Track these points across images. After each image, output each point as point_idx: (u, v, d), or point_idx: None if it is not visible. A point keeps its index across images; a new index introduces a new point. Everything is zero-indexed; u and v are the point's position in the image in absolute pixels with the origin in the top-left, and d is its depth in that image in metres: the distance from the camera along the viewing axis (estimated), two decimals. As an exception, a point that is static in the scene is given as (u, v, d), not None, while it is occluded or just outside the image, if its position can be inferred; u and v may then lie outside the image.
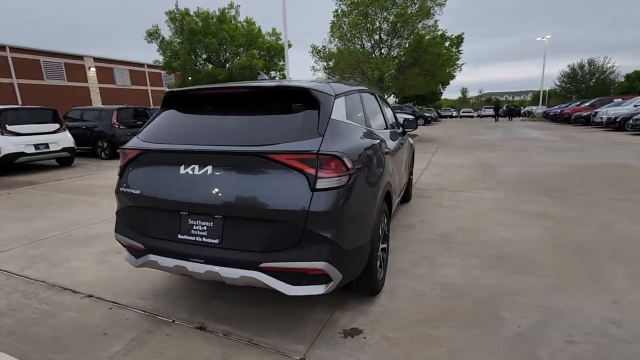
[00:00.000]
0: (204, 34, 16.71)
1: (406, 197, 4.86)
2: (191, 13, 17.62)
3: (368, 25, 14.51)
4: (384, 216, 2.56)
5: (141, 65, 30.33)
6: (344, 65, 15.22)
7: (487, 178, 6.64)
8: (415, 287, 2.65)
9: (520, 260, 3.05)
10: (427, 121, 29.74)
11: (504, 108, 43.66)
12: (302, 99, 2.01)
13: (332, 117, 2.04)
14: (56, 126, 8.78)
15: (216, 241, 1.91)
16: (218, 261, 1.88)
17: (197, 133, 2.04)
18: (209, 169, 1.90)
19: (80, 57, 26.14)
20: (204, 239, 1.93)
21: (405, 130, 4.24)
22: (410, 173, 5.09)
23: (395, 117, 4.30)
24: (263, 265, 1.81)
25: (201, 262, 1.91)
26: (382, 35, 14.98)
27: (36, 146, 8.25)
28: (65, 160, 9.23)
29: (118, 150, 2.25)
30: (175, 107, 2.27)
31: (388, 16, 14.26)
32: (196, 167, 1.92)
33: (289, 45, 19.06)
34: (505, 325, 2.15)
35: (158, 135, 2.12)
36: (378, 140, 2.51)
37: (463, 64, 16.47)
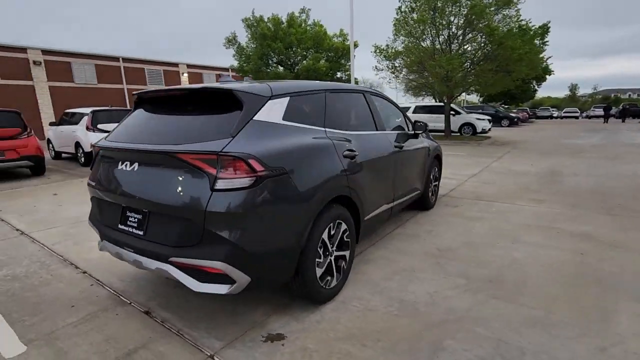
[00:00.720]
0: (273, 39, 17.64)
1: (424, 205, 4.51)
2: (265, 19, 18.76)
3: (437, 20, 13.67)
4: (337, 222, 2.44)
5: (226, 69, 33.21)
6: (406, 64, 14.56)
7: (544, 188, 5.77)
8: (371, 301, 2.47)
9: (513, 286, 2.62)
10: (514, 122, 26.77)
11: (619, 108, 36.98)
12: (227, 101, 2.04)
13: (256, 118, 2.02)
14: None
15: (141, 233, 2.05)
16: (142, 252, 2.02)
17: (139, 132, 2.21)
18: (136, 166, 2.05)
19: (176, 65, 29.80)
20: (134, 230, 2.09)
21: (417, 132, 3.94)
22: (435, 179, 4.70)
23: (407, 119, 4.01)
24: (172, 259, 1.89)
25: (131, 251, 2.07)
26: (452, 30, 13.97)
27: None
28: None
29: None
30: (139, 108, 2.49)
31: (461, 9, 13.23)
32: (127, 164, 2.09)
33: (355, 46, 19.00)
34: (438, 357, 1.88)
35: (117, 135, 2.35)
36: (326, 143, 2.39)
37: (549, 57, 14.45)
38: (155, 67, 28.35)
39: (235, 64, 19.41)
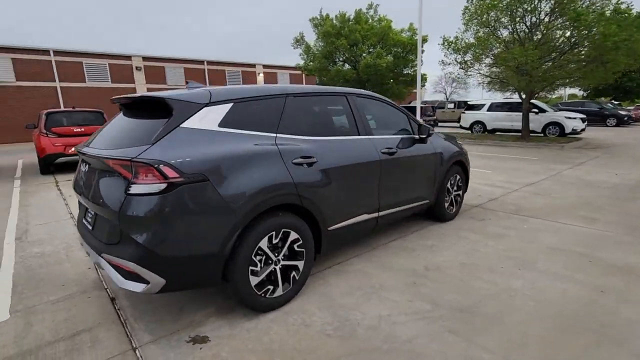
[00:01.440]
0: (337, 36, 17.62)
1: (438, 216, 4.11)
2: (331, 17, 18.87)
3: (519, 6, 12.15)
4: (284, 231, 2.37)
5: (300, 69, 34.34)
6: (476, 57, 13.24)
7: (610, 205, 4.80)
8: (313, 316, 2.35)
9: (483, 322, 2.25)
10: (623, 121, 22.50)
11: None
12: (162, 108, 2.12)
13: (184, 125, 2.07)
14: None
15: (91, 228, 2.27)
16: (90, 244, 2.23)
17: (101, 137, 2.43)
18: (87, 168, 2.27)
19: (253, 65, 31.80)
20: (88, 224, 2.33)
21: (422, 136, 3.59)
22: (457, 188, 4.26)
23: (412, 122, 3.68)
24: (103, 255, 2.05)
25: (85, 243, 2.31)
26: (537, 16, 12.28)
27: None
28: None
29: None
30: (119, 113, 2.74)
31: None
32: (86, 166, 2.33)
33: (424, 40, 17.96)
34: (337, 389, 1.71)
35: (91, 139, 2.60)
36: (269, 150, 2.32)
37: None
38: (234, 69, 30.64)
39: (301, 62, 19.93)
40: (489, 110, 16.79)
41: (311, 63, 19.21)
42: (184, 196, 1.93)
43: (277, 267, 2.40)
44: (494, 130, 16.27)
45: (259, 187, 2.19)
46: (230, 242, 2.10)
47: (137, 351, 2.04)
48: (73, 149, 8.17)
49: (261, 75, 32.31)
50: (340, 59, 19.82)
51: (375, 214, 3.17)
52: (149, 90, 25.38)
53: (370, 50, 18.17)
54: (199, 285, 2.19)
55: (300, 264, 2.54)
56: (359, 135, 3.05)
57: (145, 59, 25.46)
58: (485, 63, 13.69)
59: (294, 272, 2.51)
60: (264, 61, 32.41)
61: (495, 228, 3.97)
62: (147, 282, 1.95)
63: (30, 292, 2.75)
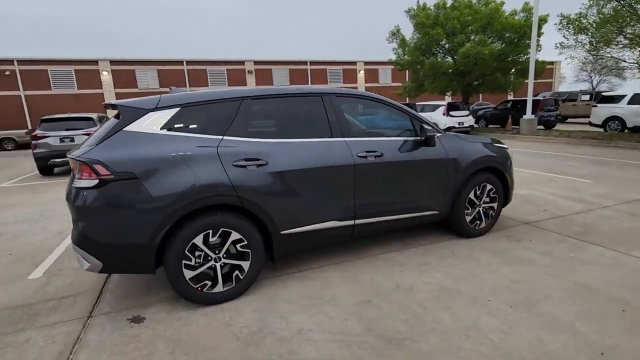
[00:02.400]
0: (432, 26, 16.29)
1: (457, 230, 3.58)
2: (428, 7, 17.58)
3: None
4: (223, 230, 2.45)
5: (392, 64, 33.20)
6: (602, 38, 10.58)
7: None
8: (240, 317, 2.38)
9: (403, 358, 1.92)
10: None
11: None
12: (118, 113, 2.43)
13: (127, 128, 2.33)
14: None
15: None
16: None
17: (86, 140, 2.86)
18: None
19: (354, 63, 32.08)
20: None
21: (422, 138, 3.17)
22: (490, 199, 3.63)
23: (416, 124, 3.28)
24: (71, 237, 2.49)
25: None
26: None
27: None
28: None
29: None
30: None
31: None
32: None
33: (543, 21, 15.24)
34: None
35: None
36: (207, 152, 2.40)
37: None
38: (335, 67, 31.47)
39: (393, 57, 19.17)
40: (630, 102, 13.32)
41: (405, 57, 18.31)
42: (114, 191, 2.20)
43: (218, 265, 2.50)
44: (636, 129, 12.74)
45: (189, 187, 2.32)
46: (159, 235, 2.29)
47: (89, 319, 2.43)
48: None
49: (362, 72, 32.38)
50: (438, 51, 18.39)
51: (350, 222, 2.96)
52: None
53: (473, 37, 16.29)
54: (134, 270, 2.45)
55: (246, 265, 2.58)
56: (331, 137, 2.89)
57: (256, 62, 28.30)
58: (618, 44, 10.91)
59: (237, 272, 2.57)
60: (365, 58, 32.40)
61: (525, 252, 3.24)
62: (89, 262, 2.29)
63: (67, 263, 3.48)
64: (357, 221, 3.00)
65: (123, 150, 2.27)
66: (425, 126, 3.15)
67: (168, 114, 2.45)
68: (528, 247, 3.37)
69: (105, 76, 23.83)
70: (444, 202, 3.40)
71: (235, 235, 2.51)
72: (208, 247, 2.46)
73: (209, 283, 2.50)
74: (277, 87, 3.01)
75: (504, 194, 3.78)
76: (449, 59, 17.74)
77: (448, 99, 23.72)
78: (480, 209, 3.63)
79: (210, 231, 2.43)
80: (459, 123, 15.10)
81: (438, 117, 14.64)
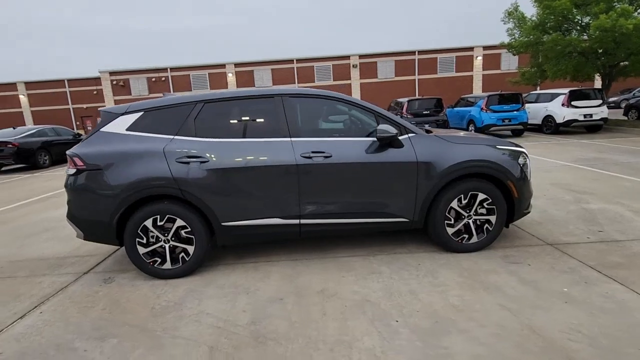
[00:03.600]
0: (555, -3, 13.35)
1: (439, 243, 3.20)
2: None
3: None
4: (168, 217, 2.86)
5: (505, 47, 28.51)
6: None
7: None
8: (173, 295, 2.75)
9: (253, 349, 1.98)
10: None
11: None
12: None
13: (103, 129, 2.92)
14: None
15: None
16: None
17: None
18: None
19: (470, 49, 28.93)
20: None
21: (382, 139, 2.93)
22: (486, 210, 3.14)
23: (381, 120, 3.05)
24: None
25: None
26: None
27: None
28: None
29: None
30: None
31: None
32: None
33: None
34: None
35: None
36: (154, 149, 2.80)
37: None
38: (448, 55, 29.09)
39: (507, 40, 16.54)
40: None
41: (520, 38, 15.69)
42: (84, 178, 2.83)
43: (167, 245, 2.94)
44: None
45: (136, 178, 2.79)
46: (116, 217, 2.83)
47: (82, 275, 3.17)
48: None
49: (479, 58, 29.09)
50: (565, 27, 15.13)
51: (295, 221, 3.01)
52: (362, 85, 28.37)
53: (612, 5, 12.84)
54: (103, 241, 3.04)
55: (190, 248, 2.95)
56: (278, 137, 2.97)
57: (362, 56, 28.47)
58: None
59: (183, 254, 2.96)
60: (483, 43, 28.93)
61: (502, 278, 2.70)
62: (76, 232, 3.01)
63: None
64: (303, 221, 3.02)
65: (96, 146, 2.89)
66: (383, 126, 2.90)
67: (133, 117, 2.97)
68: (515, 272, 2.78)
69: (230, 77, 27.74)
70: (415, 210, 3.08)
71: (179, 222, 2.89)
72: (158, 229, 2.90)
73: (159, 260, 2.95)
74: (235, 90, 3.24)
75: (508, 206, 3.16)
76: (578, 35, 14.44)
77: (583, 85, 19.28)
78: (470, 221, 3.13)
79: (158, 216, 2.87)
80: (585, 115, 12.25)
81: (555, 109, 12.24)
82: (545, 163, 7.29)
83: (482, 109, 12.26)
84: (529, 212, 3.36)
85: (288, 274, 2.98)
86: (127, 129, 2.95)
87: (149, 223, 2.88)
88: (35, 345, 2.19)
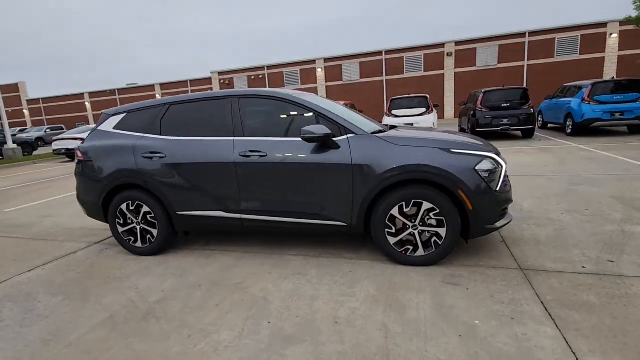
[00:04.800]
0: None
1: (383, 252, 3.02)
2: None
3: None
4: (137, 203, 3.38)
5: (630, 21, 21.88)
6: None
7: None
8: (128, 269, 3.26)
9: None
10: None
11: None
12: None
13: (99, 128, 3.58)
14: None
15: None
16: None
17: None
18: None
19: (603, 25, 23.54)
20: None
21: (306, 140, 2.87)
22: (424, 220, 2.84)
23: (321, 120, 2.98)
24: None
25: None
26: None
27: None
28: None
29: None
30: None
31: None
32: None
33: None
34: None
35: None
36: (126, 145, 3.31)
37: None
38: (570, 34, 24.39)
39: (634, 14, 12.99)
40: None
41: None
42: (82, 167, 3.55)
43: (138, 227, 3.48)
44: None
45: (112, 169, 3.37)
46: (101, 199, 3.48)
47: (94, 245, 3.97)
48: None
49: (614, 36, 23.59)
50: None
51: (237, 216, 3.20)
52: (456, 75, 26.13)
53: None
54: (98, 219, 3.72)
55: (155, 232, 3.43)
56: (224, 136, 3.18)
57: (458, 43, 26.08)
58: None
59: (149, 235, 3.46)
60: (619, 16, 23.25)
61: (426, 301, 2.42)
62: (83, 210, 3.79)
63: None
64: (245, 216, 3.19)
65: (92, 142, 3.58)
66: (309, 127, 2.83)
67: (119, 118, 3.56)
68: (441, 294, 2.46)
69: (320, 73, 28.68)
70: (353, 215, 2.94)
71: (145, 208, 3.39)
72: (131, 213, 3.46)
73: (133, 239, 3.51)
74: (198, 93, 3.51)
75: (463, 220, 2.76)
76: None
77: None
78: (416, 232, 2.85)
79: (130, 202, 3.42)
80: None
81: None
82: (622, 165, 5.76)
83: (583, 99, 10.13)
84: (497, 228, 2.86)
85: (228, 264, 3.20)
86: (114, 128, 3.56)
87: (124, 207, 3.45)
88: (16, 292, 2.92)
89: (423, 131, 3.46)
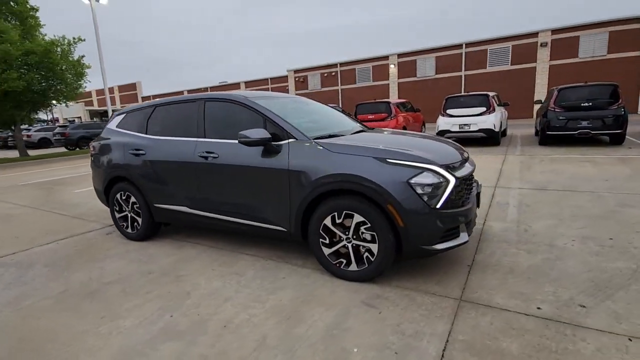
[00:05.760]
0: None
1: (318, 259, 2.93)
2: None
3: None
4: (126, 194, 3.84)
5: None
6: None
7: None
8: (106, 247, 3.73)
9: None
10: None
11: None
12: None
13: (107, 126, 4.13)
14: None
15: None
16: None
17: None
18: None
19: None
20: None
21: (242, 143, 2.89)
22: (357, 234, 2.65)
23: (268, 125, 2.98)
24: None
25: None
26: None
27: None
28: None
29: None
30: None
31: None
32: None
33: None
34: (39, 264, 3.39)
35: None
36: (120, 142, 3.75)
37: None
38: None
39: None
40: None
41: None
42: (94, 159, 4.14)
43: (129, 215, 3.94)
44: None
45: (111, 161, 3.87)
46: (104, 187, 4.02)
47: (106, 227, 4.60)
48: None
49: None
50: None
51: (198, 212, 3.41)
52: (551, 68, 22.87)
53: None
54: (104, 204, 4.28)
55: (140, 220, 3.84)
56: (190, 137, 3.40)
57: (555, 31, 22.72)
58: None
59: (135, 223, 3.89)
60: None
61: (324, 317, 2.30)
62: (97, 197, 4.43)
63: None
64: (203, 213, 3.38)
65: (100, 139, 4.14)
66: (245, 132, 2.82)
67: (121, 117, 4.05)
68: (346, 314, 2.30)
69: (392, 69, 27.77)
70: (290, 221, 2.90)
71: (133, 199, 3.83)
72: (122, 202, 3.94)
73: (125, 224, 3.99)
74: (178, 96, 3.76)
75: (395, 236, 2.51)
76: None
77: None
78: (349, 245, 2.69)
79: (121, 192, 3.89)
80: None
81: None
82: None
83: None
84: (438, 250, 2.52)
85: (189, 256, 3.43)
86: (116, 127, 4.07)
87: (119, 196, 3.95)
88: (26, 260, 3.58)
89: (379, 136, 3.24)
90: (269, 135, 2.85)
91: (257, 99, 3.23)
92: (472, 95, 10.62)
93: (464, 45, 25.26)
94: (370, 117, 11.42)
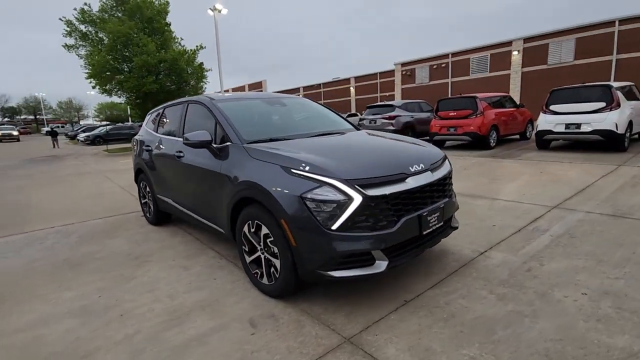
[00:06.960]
0: None
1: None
2: None
3: None
4: (144, 183, 4.45)
5: None
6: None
7: None
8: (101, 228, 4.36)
9: None
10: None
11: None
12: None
13: (143, 124, 4.83)
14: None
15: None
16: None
17: None
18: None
19: None
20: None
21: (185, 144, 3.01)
22: (268, 245, 2.53)
23: (218, 129, 3.01)
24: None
25: None
26: None
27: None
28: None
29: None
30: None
31: None
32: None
33: None
34: None
35: None
36: (144, 139, 4.34)
37: None
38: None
39: None
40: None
41: None
42: (137, 145, 4.90)
43: (147, 201, 4.56)
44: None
45: (135, 156, 4.53)
46: (134, 176, 4.74)
47: (135, 213, 5.40)
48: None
49: None
50: None
51: (177, 206, 3.71)
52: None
53: None
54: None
55: (152, 205, 4.40)
56: (176, 136, 3.70)
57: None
58: None
59: (150, 209, 4.47)
60: None
61: (203, 326, 2.26)
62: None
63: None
64: (180, 207, 3.66)
65: (139, 133, 4.86)
66: (188, 134, 2.90)
67: (148, 117, 4.67)
68: (226, 327, 2.20)
69: (516, 56, 23.82)
70: (225, 224, 2.90)
71: (148, 188, 4.41)
72: (143, 190, 4.57)
73: (145, 209, 4.63)
74: (178, 99, 4.04)
75: (291, 253, 2.26)
76: None
77: None
78: (263, 257, 2.55)
79: (142, 182, 4.53)
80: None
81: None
82: None
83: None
84: (336, 278, 2.14)
85: (171, 244, 3.76)
86: (145, 125, 4.72)
87: (141, 185, 4.61)
88: (73, 229, 4.51)
89: (329, 140, 2.93)
90: (209, 138, 2.89)
91: (220, 102, 3.29)
92: (588, 87, 8.34)
93: (616, 23, 19.81)
94: (452, 114, 10.18)
